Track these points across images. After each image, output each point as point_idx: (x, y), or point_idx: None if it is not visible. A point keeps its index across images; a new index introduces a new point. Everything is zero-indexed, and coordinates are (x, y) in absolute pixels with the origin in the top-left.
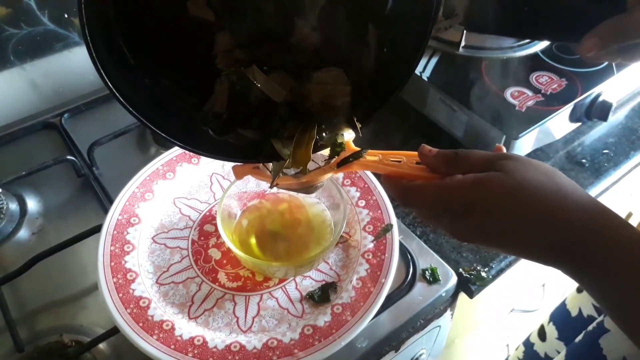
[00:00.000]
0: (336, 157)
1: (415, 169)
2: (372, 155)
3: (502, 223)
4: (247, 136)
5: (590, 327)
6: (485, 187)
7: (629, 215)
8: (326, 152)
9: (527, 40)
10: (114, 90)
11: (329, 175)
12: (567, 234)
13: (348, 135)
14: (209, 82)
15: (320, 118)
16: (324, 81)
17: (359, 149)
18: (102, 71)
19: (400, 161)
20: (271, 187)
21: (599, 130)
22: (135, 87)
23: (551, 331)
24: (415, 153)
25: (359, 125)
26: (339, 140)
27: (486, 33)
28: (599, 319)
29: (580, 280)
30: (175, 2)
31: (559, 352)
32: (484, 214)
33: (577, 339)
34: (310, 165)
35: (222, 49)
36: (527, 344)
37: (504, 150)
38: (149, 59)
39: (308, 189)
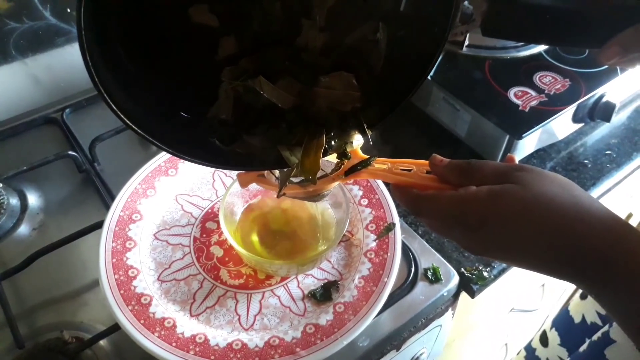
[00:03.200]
0: (344, 165)
1: (425, 178)
2: (380, 163)
3: (517, 237)
4: (254, 144)
5: (595, 337)
6: (501, 199)
7: (629, 216)
8: (333, 157)
9: None
10: (114, 106)
11: (336, 183)
12: (586, 248)
13: (356, 142)
14: (212, 88)
15: (328, 124)
16: (332, 86)
17: (367, 156)
18: (102, 89)
19: (410, 170)
20: (278, 196)
21: (601, 131)
22: (136, 101)
23: (553, 337)
24: (426, 162)
25: (369, 133)
26: (348, 149)
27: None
28: (604, 329)
29: (597, 294)
30: (176, 10)
31: (561, 359)
32: (500, 227)
33: (582, 349)
34: (318, 173)
35: (226, 54)
36: (529, 349)
37: (516, 160)
38: (149, 67)
39: (315, 197)
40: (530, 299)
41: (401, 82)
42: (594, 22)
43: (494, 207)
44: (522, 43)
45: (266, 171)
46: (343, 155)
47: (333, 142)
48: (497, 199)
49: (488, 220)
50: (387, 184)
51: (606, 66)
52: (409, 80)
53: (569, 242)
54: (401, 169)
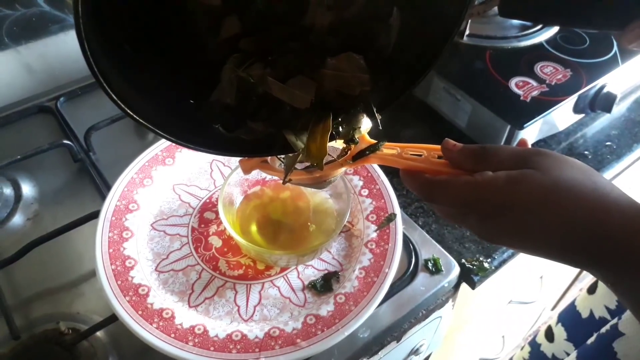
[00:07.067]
0: (351, 150)
1: (437, 163)
2: (389, 148)
3: (537, 224)
4: (258, 129)
5: (603, 330)
6: (520, 185)
7: None
8: (339, 142)
9: (532, 30)
10: (113, 95)
11: (343, 169)
12: (605, 235)
13: (364, 127)
14: (214, 72)
15: (335, 107)
16: (340, 68)
17: (374, 141)
18: (100, 77)
19: (420, 155)
20: (284, 183)
21: (601, 122)
22: (135, 88)
23: (560, 332)
24: (437, 146)
25: (378, 117)
26: (356, 135)
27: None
28: (613, 321)
29: (614, 283)
30: None
31: (567, 354)
32: (519, 214)
33: (589, 341)
34: (325, 158)
35: (228, 35)
36: (534, 344)
37: (529, 144)
38: (148, 51)
39: (320, 184)
40: (528, 290)
41: (412, 65)
42: (617, 4)
43: (513, 194)
44: (522, 32)
45: (269, 157)
46: (351, 140)
47: (340, 128)
48: (516, 185)
49: (507, 207)
50: (388, 174)
51: (607, 56)
52: (420, 63)
53: (588, 229)
54: (411, 154)
